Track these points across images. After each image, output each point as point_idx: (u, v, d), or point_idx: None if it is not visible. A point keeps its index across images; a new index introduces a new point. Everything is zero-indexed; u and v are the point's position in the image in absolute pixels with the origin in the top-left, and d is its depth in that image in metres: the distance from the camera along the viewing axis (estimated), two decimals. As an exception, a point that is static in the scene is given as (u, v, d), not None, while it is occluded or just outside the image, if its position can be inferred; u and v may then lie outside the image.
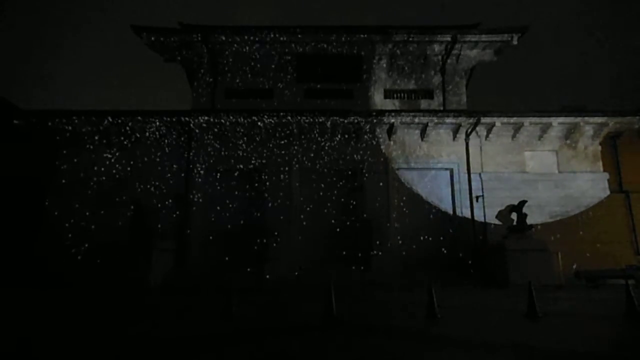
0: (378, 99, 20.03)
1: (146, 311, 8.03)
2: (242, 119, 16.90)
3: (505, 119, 17.04)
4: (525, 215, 15.79)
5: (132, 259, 14.10)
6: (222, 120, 17.02)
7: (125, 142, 17.42)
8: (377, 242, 16.52)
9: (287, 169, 17.49)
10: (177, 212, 16.73)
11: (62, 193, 16.42)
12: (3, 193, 16.93)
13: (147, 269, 14.07)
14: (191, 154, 17.33)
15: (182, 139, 17.51)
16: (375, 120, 17.04)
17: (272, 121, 16.98)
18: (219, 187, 17.60)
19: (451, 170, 17.71)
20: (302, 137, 17.61)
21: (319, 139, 17.55)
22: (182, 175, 17.18)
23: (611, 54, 63.77)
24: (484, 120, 16.96)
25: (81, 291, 12.38)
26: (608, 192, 17.23)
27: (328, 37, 19.54)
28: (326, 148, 17.60)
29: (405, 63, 20.26)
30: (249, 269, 15.71)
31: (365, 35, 19.55)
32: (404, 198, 17.36)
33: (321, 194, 17.39)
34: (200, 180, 17.46)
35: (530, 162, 17.79)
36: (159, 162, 17.21)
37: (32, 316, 7.66)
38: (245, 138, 17.53)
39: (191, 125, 17.12)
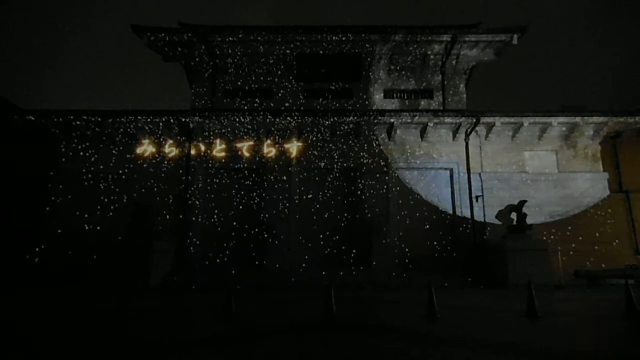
0: (378, 99, 20.04)
1: (146, 312, 8.02)
2: (241, 119, 16.91)
3: (505, 119, 17.03)
4: (525, 215, 15.77)
5: (131, 259, 14.09)
6: (222, 120, 17.03)
7: (125, 142, 17.43)
8: (377, 242, 16.52)
9: (287, 168, 17.49)
10: (177, 212, 16.74)
11: (62, 193, 16.42)
12: (3, 193, 16.93)
13: (147, 269, 14.06)
14: (191, 154, 17.33)
15: (182, 139, 17.51)
16: (375, 120, 17.03)
17: (272, 121, 16.98)
18: (218, 187, 17.64)
19: (451, 171, 17.70)
20: (302, 136, 17.60)
21: (318, 138, 17.55)
22: (182, 175, 17.18)
23: (611, 54, 63.75)
24: (484, 120, 16.95)
25: (81, 291, 12.39)
26: (608, 192, 17.22)
27: (328, 37, 19.54)
28: (326, 148, 17.60)
29: (405, 63, 20.27)
30: (249, 269, 15.74)
31: (365, 35, 19.55)
32: (404, 198, 17.36)
33: (321, 193, 17.41)
34: (200, 180, 17.47)
35: (530, 162, 17.78)
36: (159, 162, 17.21)
37: (32, 316, 7.66)
38: (245, 138, 17.53)
39: (191, 125, 17.13)
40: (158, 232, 15.80)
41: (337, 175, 17.84)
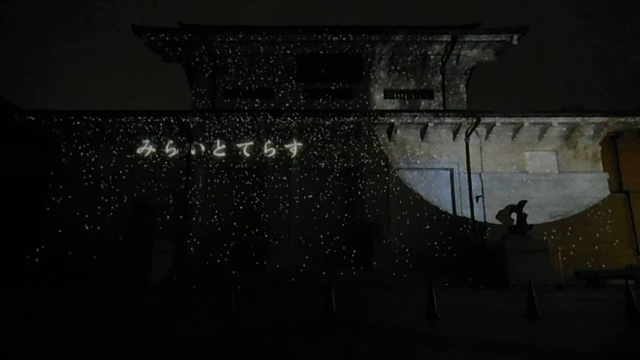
0: (378, 99, 20.04)
1: (145, 312, 8.02)
2: (241, 119, 16.92)
3: (505, 119, 17.03)
4: (525, 215, 15.78)
5: (131, 259, 14.09)
6: (222, 120, 17.03)
7: (125, 142, 17.43)
8: (377, 242, 16.52)
9: (287, 168, 17.50)
10: (177, 212, 16.74)
11: (62, 193, 16.43)
12: (3, 193, 16.93)
13: (147, 269, 14.06)
14: (191, 154, 17.33)
15: (182, 139, 17.51)
16: (375, 120, 17.04)
17: (272, 121, 16.99)
18: (218, 187, 17.65)
19: (451, 171, 17.70)
20: (302, 136, 17.61)
21: (318, 138, 17.55)
22: (182, 175, 17.19)
23: (611, 54, 63.74)
24: (484, 120, 16.96)
25: (80, 290, 12.39)
26: (608, 192, 17.22)
27: (328, 36, 19.54)
28: (326, 148, 17.60)
29: (405, 63, 20.27)
30: (248, 269, 15.74)
31: (365, 35, 19.55)
32: (404, 198, 17.36)
33: (321, 194, 17.41)
34: (200, 180, 17.47)
35: (530, 162, 17.79)
36: (159, 162, 17.22)
37: (31, 316, 7.66)
38: (245, 138, 17.54)
39: (191, 125, 17.13)
40: (158, 231, 15.81)
41: (337, 175, 17.84)
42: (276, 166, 17.45)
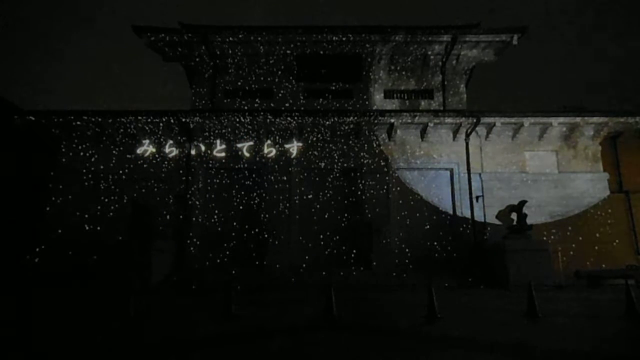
0: (378, 99, 20.04)
1: (146, 312, 8.02)
2: (241, 119, 16.92)
3: (505, 119, 17.02)
4: (525, 215, 15.76)
5: (131, 259, 14.09)
6: (222, 120, 17.03)
7: (125, 142, 17.43)
8: (377, 242, 16.51)
9: (287, 168, 17.49)
10: (177, 212, 16.74)
11: (62, 193, 16.42)
12: (3, 193, 16.93)
13: (147, 269, 14.06)
14: (191, 154, 17.33)
15: (182, 139, 17.51)
16: (375, 120, 17.03)
17: (272, 121, 16.98)
18: (218, 187, 17.65)
19: (451, 171, 17.70)
20: (302, 136, 17.61)
21: (318, 138, 17.55)
22: (182, 175, 17.18)
23: (611, 54, 63.75)
24: (484, 120, 16.96)
25: (80, 291, 12.39)
26: (608, 192, 17.22)
27: (328, 37, 19.54)
28: (326, 148, 17.60)
29: (405, 63, 20.27)
30: (248, 269, 15.73)
31: (365, 35, 19.55)
32: (404, 198, 17.36)
33: (321, 193, 17.42)
34: (200, 180, 17.47)
35: (530, 162, 17.78)
36: (159, 162, 17.21)
37: (31, 316, 7.66)
38: (245, 138, 17.53)
39: (191, 125, 17.13)
40: (158, 231, 15.80)
41: (337, 175, 17.84)
42: (276, 166, 17.44)
